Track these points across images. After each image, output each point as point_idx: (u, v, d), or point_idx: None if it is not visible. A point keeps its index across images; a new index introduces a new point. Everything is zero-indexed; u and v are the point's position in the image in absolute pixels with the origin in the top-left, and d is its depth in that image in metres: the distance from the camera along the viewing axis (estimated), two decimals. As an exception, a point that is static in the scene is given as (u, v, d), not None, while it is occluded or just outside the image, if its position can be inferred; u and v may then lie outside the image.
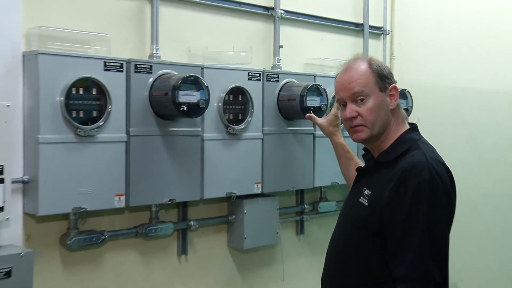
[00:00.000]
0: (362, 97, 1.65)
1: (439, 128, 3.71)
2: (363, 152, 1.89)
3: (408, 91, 3.29)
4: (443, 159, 1.64)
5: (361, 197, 1.66)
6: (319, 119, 2.30)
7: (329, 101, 2.84)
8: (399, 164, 1.58)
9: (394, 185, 1.55)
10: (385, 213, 1.57)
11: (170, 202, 2.35)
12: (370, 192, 1.63)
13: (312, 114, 2.36)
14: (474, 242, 3.97)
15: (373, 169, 1.68)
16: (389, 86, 1.67)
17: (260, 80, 2.67)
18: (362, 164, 2.12)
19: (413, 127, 1.72)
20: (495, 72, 4.07)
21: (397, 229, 1.54)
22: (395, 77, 1.78)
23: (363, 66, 1.68)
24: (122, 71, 2.20)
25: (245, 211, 2.68)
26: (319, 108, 2.70)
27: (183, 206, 2.58)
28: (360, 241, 1.64)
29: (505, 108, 4.15)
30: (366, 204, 1.63)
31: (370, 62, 1.69)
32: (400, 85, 3.65)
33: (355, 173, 1.86)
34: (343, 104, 1.72)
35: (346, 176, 2.18)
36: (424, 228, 1.50)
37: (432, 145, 1.70)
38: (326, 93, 2.76)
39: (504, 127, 4.14)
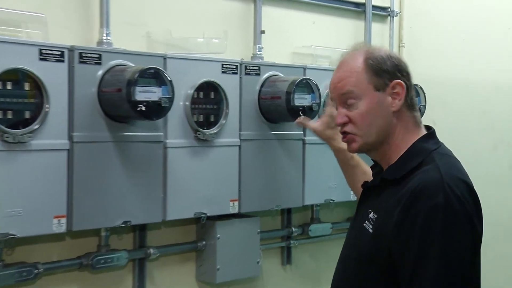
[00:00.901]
0: (353, 100, 1.61)
1: (460, 132, 3.75)
2: (372, 164, 1.84)
3: (420, 87, 3.33)
4: (467, 175, 1.59)
5: (366, 221, 1.62)
6: (312, 123, 2.22)
7: (322, 99, 2.87)
8: (409, 182, 1.54)
9: (401, 210, 1.50)
10: (393, 246, 1.52)
11: (124, 225, 2.35)
12: (376, 216, 1.59)
13: (302, 119, 2.27)
14: (506, 273, 4.00)
15: (379, 187, 1.64)
16: (390, 82, 1.61)
17: (237, 73, 2.68)
18: (370, 171, 2.11)
19: (429, 133, 1.66)
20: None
21: (407, 268, 1.49)
22: None
23: (357, 60, 1.63)
24: (63, 61, 2.18)
25: (218, 236, 2.69)
26: (310, 108, 2.73)
27: (140, 230, 2.57)
28: (368, 278, 1.60)
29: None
30: (371, 231, 1.59)
31: (366, 55, 1.62)
32: (410, 80, 3.75)
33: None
34: (336, 107, 1.69)
35: (354, 188, 2.12)
36: (439, 267, 1.46)
37: (453, 156, 1.66)
38: (319, 89, 2.78)
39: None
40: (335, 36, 3.30)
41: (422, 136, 1.64)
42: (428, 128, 1.68)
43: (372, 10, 3.43)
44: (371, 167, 1.83)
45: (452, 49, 3.83)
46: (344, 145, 1.87)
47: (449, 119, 3.70)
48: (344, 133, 1.66)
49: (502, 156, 4.01)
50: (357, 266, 1.63)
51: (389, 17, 3.58)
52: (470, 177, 1.59)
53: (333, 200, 3.07)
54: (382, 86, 1.61)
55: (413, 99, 1.65)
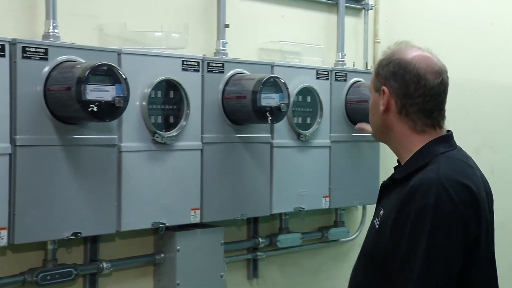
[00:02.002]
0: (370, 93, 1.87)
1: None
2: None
3: (396, 86, 3.36)
4: (471, 178, 1.72)
5: (376, 218, 1.80)
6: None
7: (291, 99, 2.88)
8: (411, 181, 1.70)
9: (397, 209, 1.67)
10: (388, 243, 1.69)
11: (73, 237, 2.32)
12: (383, 213, 1.77)
13: (363, 125, 2.36)
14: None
15: (390, 186, 1.82)
16: (381, 87, 1.78)
17: (199, 70, 2.67)
18: None
19: (442, 136, 1.81)
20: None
21: (397, 263, 1.65)
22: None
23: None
24: (3, 55, 2.15)
25: (178, 248, 2.67)
26: (278, 108, 2.73)
27: (92, 243, 2.55)
28: (369, 274, 1.77)
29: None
30: (377, 226, 1.77)
31: (386, 54, 1.80)
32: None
33: None
34: None
35: None
36: (423, 265, 1.60)
37: (464, 160, 1.79)
38: (287, 88, 2.78)
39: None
40: (306, 31, 3.31)
41: (434, 139, 1.79)
42: (447, 132, 1.84)
43: (346, 3, 3.44)
44: (394, 168, 1.98)
45: (431, 45, 3.85)
46: None
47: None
48: None
49: (484, 160, 4.06)
50: (367, 262, 1.80)
51: (363, 10, 3.60)
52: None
53: (303, 208, 3.08)
54: (378, 88, 1.80)
55: (407, 106, 1.76)
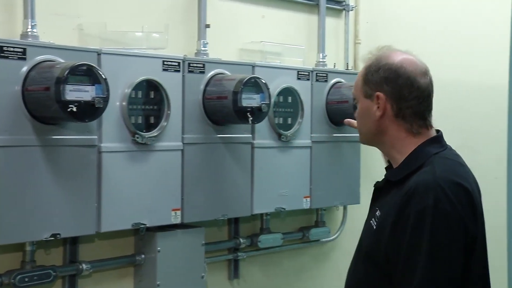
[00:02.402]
0: (356, 101, 1.90)
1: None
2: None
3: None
4: (466, 178, 1.76)
5: (372, 219, 1.82)
6: None
7: (272, 100, 2.88)
8: (407, 183, 1.73)
9: (396, 211, 1.70)
10: (389, 243, 1.71)
11: (53, 239, 2.30)
12: (380, 213, 1.80)
13: (351, 121, 2.31)
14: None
15: (385, 188, 1.85)
16: (375, 93, 1.81)
17: (179, 71, 2.66)
18: None
19: (434, 137, 1.85)
20: (498, 62, 4.14)
21: (398, 266, 1.67)
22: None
23: (364, 66, 1.87)
24: (-19, 55, 2.14)
25: (158, 248, 2.66)
26: (259, 109, 2.72)
27: (71, 244, 2.53)
28: (370, 275, 1.79)
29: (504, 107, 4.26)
30: (375, 227, 1.79)
31: (371, 62, 1.84)
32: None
33: None
34: None
35: None
36: (426, 267, 1.62)
37: (456, 159, 1.83)
38: (268, 89, 2.78)
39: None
40: (286, 32, 3.31)
41: (427, 140, 1.82)
42: (437, 132, 1.88)
43: (326, 3, 3.45)
44: (385, 168, 2.03)
45: (411, 46, 3.86)
46: None
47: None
48: None
49: (465, 161, 4.08)
50: (364, 263, 1.83)
51: (344, 11, 3.61)
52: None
53: (284, 209, 3.07)
54: (369, 94, 1.83)
55: (403, 109, 1.81)
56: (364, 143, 1.96)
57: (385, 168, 2.00)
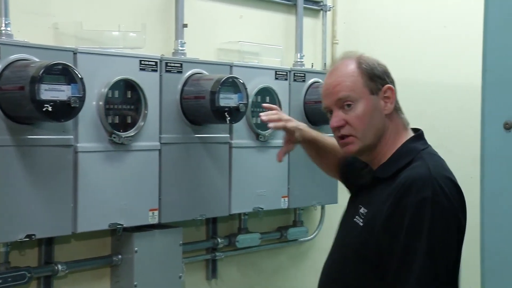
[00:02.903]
0: (349, 103, 1.81)
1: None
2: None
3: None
4: (453, 174, 1.79)
5: (356, 216, 1.80)
6: (288, 145, 2.25)
7: (250, 100, 2.87)
8: (398, 178, 1.73)
9: (391, 204, 1.69)
10: (382, 239, 1.70)
11: (27, 240, 2.28)
12: (366, 211, 1.78)
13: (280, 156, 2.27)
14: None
15: (371, 185, 1.84)
16: (382, 87, 1.82)
17: (157, 70, 2.65)
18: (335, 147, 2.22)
19: (418, 134, 1.88)
20: (473, 63, 4.18)
21: (394, 259, 1.67)
22: None
23: (350, 66, 1.83)
24: (-46, 54, 2.12)
25: (135, 249, 2.64)
26: (237, 109, 2.72)
27: (46, 244, 2.50)
28: (359, 272, 1.78)
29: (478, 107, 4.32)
30: (361, 224, 1.78)
31: (359, 61, 1.84)
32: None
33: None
34: (330, 112, 1.88)
35: (332, 169, 2.28)
36: (425, 260, 1.63)
37: (440, 156, 1.85)
38: (246, 89, 2.78)
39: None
40: (264, 32, 3.31)
41: (412, 137, 1.86)
42: (416, 130, 1.90)
43: (304, 4, 3.45)
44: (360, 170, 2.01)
45: (388, 47, 3.90)
46: (310, 135, 2.20)
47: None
48: (342, 136, 1.85)
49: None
50: (350, 261, 1.81)
51: (321, 11, 3.62)
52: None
53: (262, 208, 3.07)
54: (376, 90, 1.83)
55: (398, 102, 1.87)
56: (361, 151, 1.84)
57: (364, 167, 1.96)
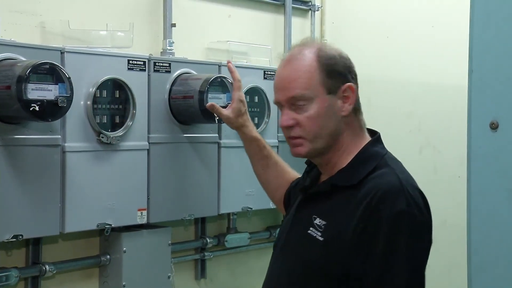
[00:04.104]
0: (302, 102, 1.63)
1: (385, 135, 3.81)
2: (306, 167, 1.87)
3: (343, 87, 3.38)
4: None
5: (311, 229, 1.63)
6: (224, 110, 2.22)
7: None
8: (364, 186, 1.58)
9: (361, 217, 1.54)
10: (352, 254, 1.55)
11: (14, 240, 2.26)
12: (325, 223, 1.60)
13: (214, 103, 2.25)
14: (434, 282, 4.12)
15: (326, 192, 1.66)
16: (342, 85, 1.63)
17: (145, 70, 2.64)
18: (283, 163, 2.18)
19: (377, 137, 1.72)
20: (460, 63, 4.20)
21: (370, 278, 1.53)
22: None
23: (308, 59, 1.64)
24: None
25: (124, 249, 2.63)
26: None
27: (34, 245, 2.48)
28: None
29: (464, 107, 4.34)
30: (321, 238, 1.60)
31: (319, 53, 1.64)
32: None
33: (279, 179, 1.96)
34: (281, 107, 1.70)
35: (264, 182, 2.18)
36: (404, 276, 1.52)
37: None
38: (235, 88, 2.77)
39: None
40: (253, 31, 3.31)
41: (372, 140, 1.69)
42: (372, 131, 1.74)
43: (292, 3, 3.45)
44: (306, 172, 1.85)
45: (376, 47, 3.90)
46: (256, 133, 2.06)
47: (373, 121, 3.72)
48: (291, 137, 1.67)
49: (428, 160, 4.13)
50: (305, 276, 1.63)
51: (310, 11, 3.62)
52: None
53: (251, 208, 3.06)
54: (334, 89, 1.63)
55: (359, 102, 1.69)
56: (310, 154, 1.68)
57: (306, 172, 1.82)
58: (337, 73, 1.63)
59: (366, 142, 1.69)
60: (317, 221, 1.62)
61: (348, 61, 1.67)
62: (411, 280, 1.54)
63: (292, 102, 1.64)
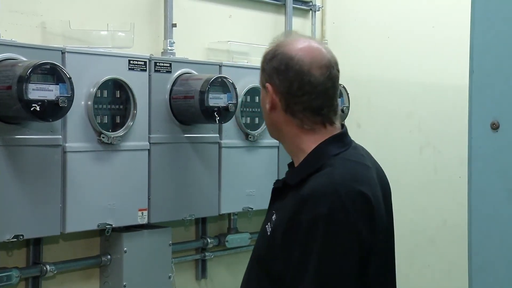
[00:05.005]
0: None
1: (385, 135, 3.83)
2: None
3: (343, 87, 3.37)
4: (367, 182, 1.61)
5: (268, 223, 1.64)
6: None
7: (239, 99, 2.86)
8: (303, 187, 1.57)
9: (289, 218, 1.55)
10: (279, 253, 1.56)
11: (15, 240, 2.26)
12: (275, 218, 1.62)
13: None
14: (430, 283, 4.12)
15: (284, 190, 1.67)
16: (266, 83, 1.66)
17: (145, 70, 2.64)
18: None
19: (335, 135, 1.67)
20: (460, 64, 4.19)
21: (288, 277, 1.53)
22: None
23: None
24: None
25: (125, 249, 2.63)
26: (226, 109, 2.71)
27: (35, 245, 2.49)
28: (260, 284, 1.62)
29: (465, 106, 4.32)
30: (269, 233, 1.62)
31: (270, 46, 1.67)
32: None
33: None
34: None
35: None
36: (315, 281, 1.49)
37: (360, 161, 1.67)
38: (235, 88, 2.77)
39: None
40: (253, 31, 3.31)
41: (328, 139, 1.66)
42: (341, 128, 1.70)
43: (293, 3, 3.46)
44: (288, 164, 1.82)
45: (376, 47, 3.90)
46: None
47: (374, 121, 3.77)
48: None
49: (428, 160, 4.12)
50: (252, 270, 1.66)
51: (311, 11, 3.63)
52: (370, 184, 1.62)
53: (252, 208, 3.06)
54: (263, 85, 1.68)
55: (291, 104, 1.64)
56: (271, 137, 1.77)
57: (288, 165, 1.80)
58: (265, 71, 1.67)
59: (320, 140, 1.65)
60: (274, 216, 1.63)
61: (283, 66, 1.63)
62: (320, 284, 1.50)
63: None
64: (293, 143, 1.68)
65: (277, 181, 1.75)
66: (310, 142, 1.65)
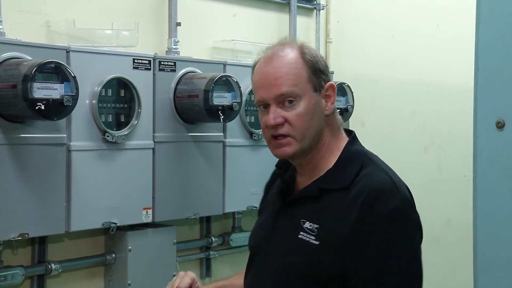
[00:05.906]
0: (291, 99, 1.58)
1: (390, 134, 3.83)
2: (275, 169, 1.80)
3: (348, 86, 3.37)
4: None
5: (302, 233, 1.58)
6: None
7: (243, 98, 2.87)
8: (354, 186, 1.55)
9: (357, 216, 1.51)
10: (349, 254, 1.52)
11: (20, 238, 2.26)
12: (317, 226, 1.56)
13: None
14: (435, 281, 4.11)
15: (310, 197, 1.61)
16: (325, 84, 1.62)
17: (150, 69, 2.64)
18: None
19: (353, 136, 1.69)
20: (465, 63, 4.18)
21: (365, 275, 1.51)
22: (331, 67, 1.76)
23: (292, 55, 1.60)
24: None
25: (129, 248, 2.64)
26: (230, 107, 2.71)
27: (40, 243, 2.49)
28: None
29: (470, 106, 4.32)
30: (316, 242, 1.55)
31: (302, 50, 1.61)
32: (337, 77, 3.78)
33: None
34: (264, 106, 1.63)
35: None
36: (400, 273, 1.52)
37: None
38: (240, 87, 2.77)
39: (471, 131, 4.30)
40: (258, 30, 3.31)
41: (350, 139, 1.67)
42: (347, 131, 1.71)
43: (298, 2, 3.46)
44: (278, 174, 1.77)
45: (381, 46, 3.89)
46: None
47: (378, 120, 3.76)
48: (277, 136, 1.61)
49: (432, 159, 4.11)
50: (291, 282, 1.58)
51: (315, 10, 3.63)
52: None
53: (256, 207, 3.04)
54: (319, 87, 1.61)
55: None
56: (296, 155, 1.61)
57: (278, 174, 1.75)
58: (320, 71, 1.61)
59: (345, 141, 1.66)
60: (307, 225, 1.58)
61: (325, 61, 1.68)
62: (409, 276, 1.54)
63: (280, 100, 1.58)
64: (328, 146, 1.64)
65: (285, 191, 1.67)
66: (342, 142, 1.65)
